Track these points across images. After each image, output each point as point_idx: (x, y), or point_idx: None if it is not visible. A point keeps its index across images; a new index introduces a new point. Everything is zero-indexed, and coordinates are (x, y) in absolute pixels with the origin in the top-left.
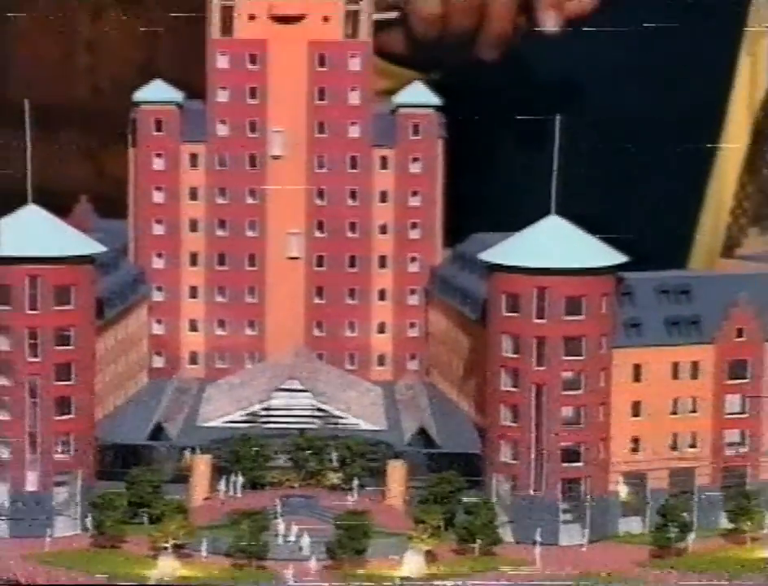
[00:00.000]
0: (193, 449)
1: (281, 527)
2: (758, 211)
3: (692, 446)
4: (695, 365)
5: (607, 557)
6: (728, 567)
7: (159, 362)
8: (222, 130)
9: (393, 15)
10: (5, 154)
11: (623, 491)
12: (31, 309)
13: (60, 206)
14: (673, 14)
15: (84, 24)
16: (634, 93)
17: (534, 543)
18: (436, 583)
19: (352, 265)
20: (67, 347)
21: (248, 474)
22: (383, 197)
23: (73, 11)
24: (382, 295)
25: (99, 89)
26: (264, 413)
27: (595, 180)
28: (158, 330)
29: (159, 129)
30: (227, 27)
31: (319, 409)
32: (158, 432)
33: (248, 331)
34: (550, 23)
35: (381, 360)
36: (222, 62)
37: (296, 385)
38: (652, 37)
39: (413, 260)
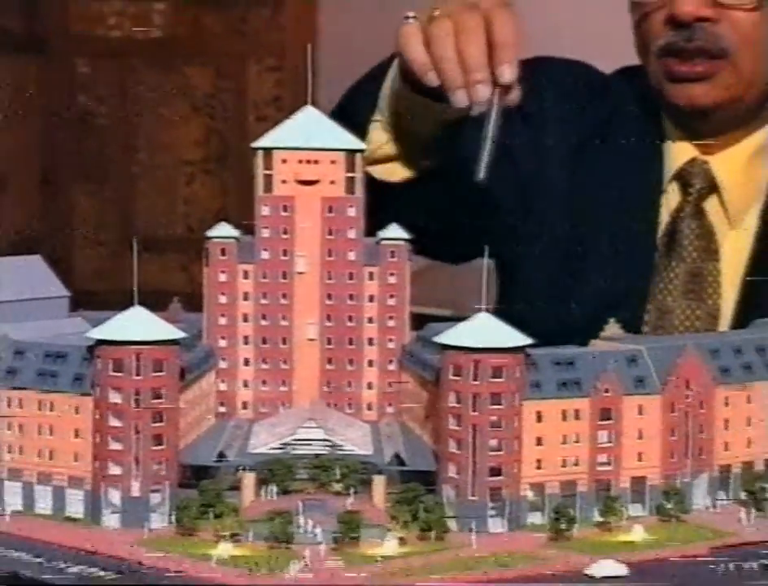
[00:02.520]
0: (244, 468)
1: (302, 522)
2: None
3: (576, 465)
4: (577, 412)
5: (519, 541)
6: (601, 547)
7: (222, 409)
8: (265, 255)
9: None
10: (128, 270)
11: (529, 495)
12: (136, 375)
13: (160, 304)
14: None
15: (181, 184)
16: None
17: (471, 531)
18: (407, 559)
19: (350, 344)
20: (160, 401)
21: (279, 485)
22: (371, 299)
23: (175, 177)
24: (370, 364)
25: (191, 228)
26: (291, 442)
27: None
28: (222, 387)
29: (223, 255)
30: (268, 187)
31: (328, 440)
32: (221, 456)
33: (281, 388)
34: (507, 77)
35: (369, 407)
36: (265, 211)
37: (313, 424)
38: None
39: (390, 340)
